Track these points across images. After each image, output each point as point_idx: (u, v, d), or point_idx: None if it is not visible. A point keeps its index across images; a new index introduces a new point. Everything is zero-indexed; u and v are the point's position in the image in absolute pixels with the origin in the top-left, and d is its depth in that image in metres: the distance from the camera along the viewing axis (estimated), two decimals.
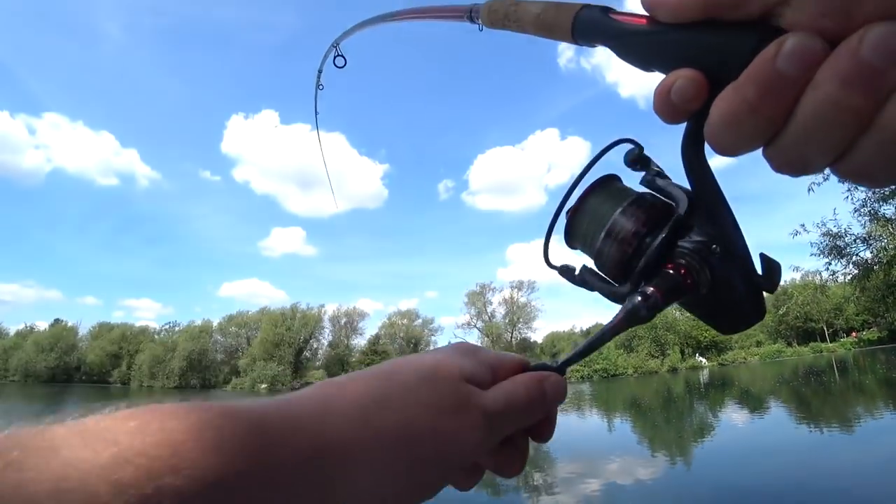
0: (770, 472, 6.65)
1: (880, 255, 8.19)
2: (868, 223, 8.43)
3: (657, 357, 46.22)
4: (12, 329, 59.87)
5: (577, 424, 15.83)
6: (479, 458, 0.34)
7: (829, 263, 9.04)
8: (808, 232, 9.03)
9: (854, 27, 0.20)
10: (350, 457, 0.27)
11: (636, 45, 0.28)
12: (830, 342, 50.27)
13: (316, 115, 1.52)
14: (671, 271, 0.31)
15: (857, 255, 8.84)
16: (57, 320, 59.48)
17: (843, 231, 8.82)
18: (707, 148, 0.28)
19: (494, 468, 0.35)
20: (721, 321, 0.32)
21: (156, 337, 52.96)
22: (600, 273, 0.36)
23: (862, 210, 8.42)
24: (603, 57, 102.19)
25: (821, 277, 9.46)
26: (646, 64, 0.28)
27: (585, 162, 0.38)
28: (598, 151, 0.38)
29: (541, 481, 7.48)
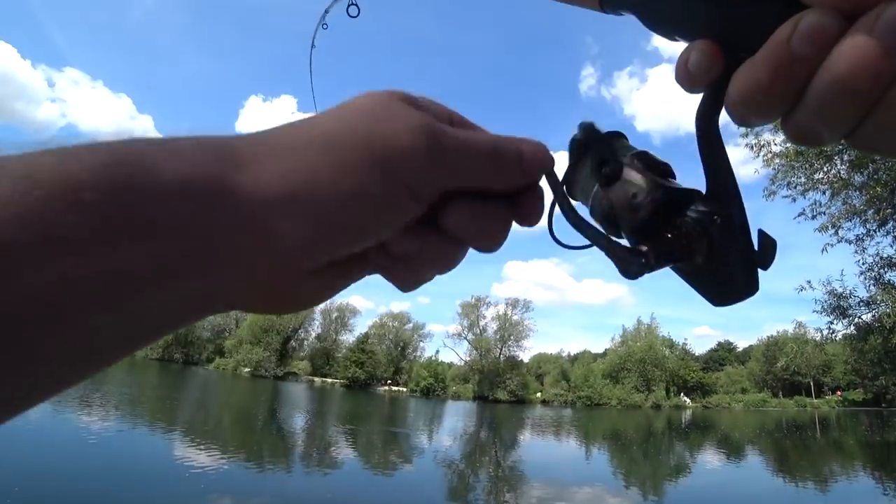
0: None
1: (882, 320, 8.14)
2: (872, 287, 8.41)
3: (642, 391, 45.94)
4: None
5: (556, 449, 15.70)
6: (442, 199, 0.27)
7: (832, 322, 8.99)
8: (813, 289, 8.99)
9: (872, 4, 0.20)
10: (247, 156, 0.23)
11: (661, 12, 0.28)
12: (816, 398, 50.05)
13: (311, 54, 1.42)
14: (669, 236, 0.30)
15: (859, 317, 8.79)
16: None
17: (847, 292, 8.78)
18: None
19: (466, 229, 0.28)
20: (714, 293, 0.31)
21: None
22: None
23: (868, 274, 8.38)
24: (623, 88, 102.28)
25: (822, 334, 9.34)
26: (670, 32, 0.29)
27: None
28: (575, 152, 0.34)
29: (512, 501, 7.40)
